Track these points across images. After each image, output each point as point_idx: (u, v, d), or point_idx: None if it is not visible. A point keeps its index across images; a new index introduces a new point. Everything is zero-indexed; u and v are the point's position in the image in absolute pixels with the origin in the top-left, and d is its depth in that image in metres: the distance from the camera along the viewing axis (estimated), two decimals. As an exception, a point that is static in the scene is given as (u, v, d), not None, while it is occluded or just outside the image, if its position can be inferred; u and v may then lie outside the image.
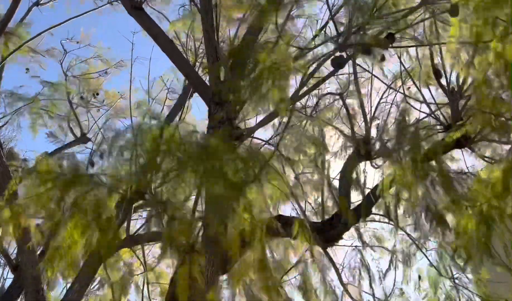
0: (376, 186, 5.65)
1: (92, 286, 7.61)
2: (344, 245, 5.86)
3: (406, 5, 5.54)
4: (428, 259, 5.74)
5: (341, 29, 5.26)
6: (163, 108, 9.34)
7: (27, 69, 10.04)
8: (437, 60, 6.03)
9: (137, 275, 7.79)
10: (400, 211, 5.41)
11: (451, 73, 5.91)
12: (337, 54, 4.75)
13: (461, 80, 5.77)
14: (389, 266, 5.72)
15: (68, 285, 6.29)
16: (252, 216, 4.35)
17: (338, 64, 4.89)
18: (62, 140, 10.19)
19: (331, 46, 5.04)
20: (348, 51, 4.57)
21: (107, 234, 4.43)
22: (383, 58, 5.41)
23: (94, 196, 4.55)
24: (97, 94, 10.77)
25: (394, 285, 5.95)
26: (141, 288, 7.54)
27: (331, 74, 6.48)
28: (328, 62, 5.39)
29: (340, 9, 5.51)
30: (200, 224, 4.94)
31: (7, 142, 8.81)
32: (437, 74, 5.84)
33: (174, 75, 9.93)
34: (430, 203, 5.39)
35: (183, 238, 4.88)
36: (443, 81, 5.98)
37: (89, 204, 4.49)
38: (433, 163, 5.17)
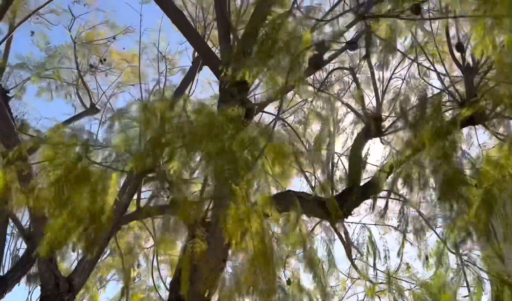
0: (386, 162, 5.63)
1: (103, 257, 7.74)
2: (352, 222, 5.87)
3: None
4: (436, 234, 5.75)
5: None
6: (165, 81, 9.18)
7: (32, 32, 9.97)
8: (452, 34, 5.90)
9: (148, 248, 7.90)
10: (409, 188, 5.40)
11: (466, 47, 5.78)
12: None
13: (476, 56, 5.64)
14: (402, 242, 5.72)
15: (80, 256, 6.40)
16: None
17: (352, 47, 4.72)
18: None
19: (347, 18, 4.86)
20: (368, 22, 4.41)
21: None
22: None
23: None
24: (104, 60, 10.69)
25: (401, 260, 5.99)
26: (150, 259, 7.68)
27: (343, 49, 6.37)
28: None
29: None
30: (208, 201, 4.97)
31: (20, 115, 8.83)
32: (460, 48, 5.67)
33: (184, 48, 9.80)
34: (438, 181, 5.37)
35: (191, 215, 4.92)
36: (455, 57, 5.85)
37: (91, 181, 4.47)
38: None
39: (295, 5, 5.12)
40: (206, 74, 9.42)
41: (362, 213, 6.09)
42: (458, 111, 5.41)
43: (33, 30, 10.03)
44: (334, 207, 5.12)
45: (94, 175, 4.26)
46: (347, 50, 4.87)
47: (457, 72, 6.17)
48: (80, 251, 6.20)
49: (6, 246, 8.09)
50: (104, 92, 10.40)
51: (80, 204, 4.18)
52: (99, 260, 6.80)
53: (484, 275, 5.32)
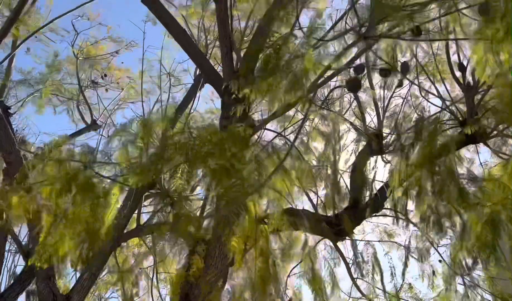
0: (388, 180, 5.60)
1: (102, 274, 7.65)
2: (355, 239, 5.82)
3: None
4: (439, 254, 5.71)
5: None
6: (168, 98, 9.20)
7: (28, 49, 10.04)
8: (453, 54, 5.94)
9: (148, 267, 7.81)
10: (411, 207, 5.36)
11: (467, 67, 5.82)
12: (352, 76, 4.65)
13: (476, 75, 5.67)
14: (405, 262, 5.68)
15: (79, 273, 6.33)
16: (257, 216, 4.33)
17: (354, 86, 4.84)
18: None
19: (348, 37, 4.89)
20: (368, 43, 4.43)
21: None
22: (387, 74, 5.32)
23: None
24: (105, 75, 10.73)
25: (403, 280, 5.93)
26: (150, 276, 7.59)
27: (344, 67, 6.39)
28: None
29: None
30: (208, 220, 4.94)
31: (20, 130, 8.82)
32: (461, 68, 5.72)
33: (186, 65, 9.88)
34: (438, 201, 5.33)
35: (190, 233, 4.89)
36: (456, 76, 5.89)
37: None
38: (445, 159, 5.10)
39: (297, 25, 5.17)
40: (209, 89, 9.47)
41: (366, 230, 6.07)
42: (459, 129, 5.42)
43: (36, 43, 10.11)
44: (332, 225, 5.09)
45: (96, 188, 4.24)
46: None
47: (458, 91, 6.21)
48: (79, 268, 6.14)
49: (4, 263, 8.01)
50: (105, 108, 10.44)
51: (80, 218, 4.16)
52: (98, 278, 6.71)
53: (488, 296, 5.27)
